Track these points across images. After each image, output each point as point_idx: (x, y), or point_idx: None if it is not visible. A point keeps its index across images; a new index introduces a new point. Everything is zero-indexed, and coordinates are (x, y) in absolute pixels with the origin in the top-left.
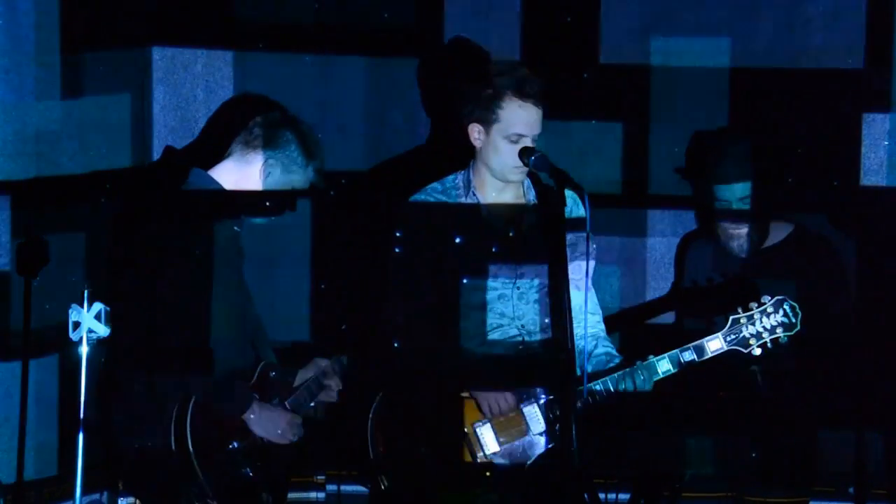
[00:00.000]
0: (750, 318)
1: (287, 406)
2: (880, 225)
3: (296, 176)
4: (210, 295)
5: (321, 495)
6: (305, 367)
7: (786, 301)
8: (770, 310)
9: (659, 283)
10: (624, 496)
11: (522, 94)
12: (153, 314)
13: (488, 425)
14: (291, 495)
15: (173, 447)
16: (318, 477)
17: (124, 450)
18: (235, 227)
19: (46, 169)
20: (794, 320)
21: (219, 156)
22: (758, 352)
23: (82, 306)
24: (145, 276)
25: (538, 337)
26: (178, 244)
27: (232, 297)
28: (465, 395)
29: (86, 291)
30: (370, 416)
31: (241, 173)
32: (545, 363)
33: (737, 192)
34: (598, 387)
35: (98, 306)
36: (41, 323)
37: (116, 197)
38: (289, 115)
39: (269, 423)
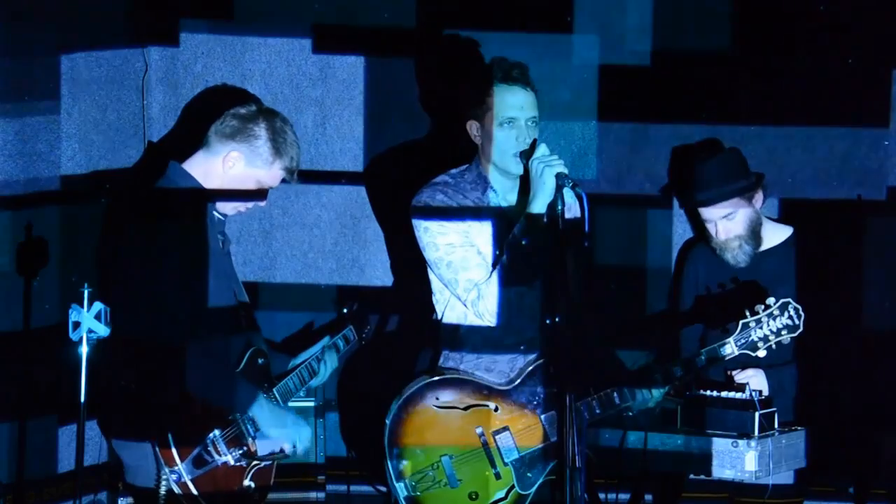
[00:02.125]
0: (758, 321)
1: (276, 394)
2: (880, 225)
3: (260, 171)
4: (198, 287)
5: (321, 495)
6: (297, 357)
7: (790, 303)
8: (776, 312)
9: (658, 283)
10: (624, 496)
11: (507, 79)
12: (143, 310)
13: (507, 433)
14: (291, 495)
15: (156, 448)
16: (319, 477)
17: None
18: (218, 216)
19: (46, 169)
20: (797, 322)
21: (196, 146)
22: (762, 354)
23: (82, 306)
24: (134, 273)
25: (538, 343)
26: (161, 239)
27: (220, 287)
28: (485, 403)
29: (86, 291)
30: (387, 420)
31: (208, 163)
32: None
33: (718, 213)
34: (613, 392)
35: (98, 306)
36: (41, 323)
37: (115, 196)
38: (265, 110)
39: (274, 419)
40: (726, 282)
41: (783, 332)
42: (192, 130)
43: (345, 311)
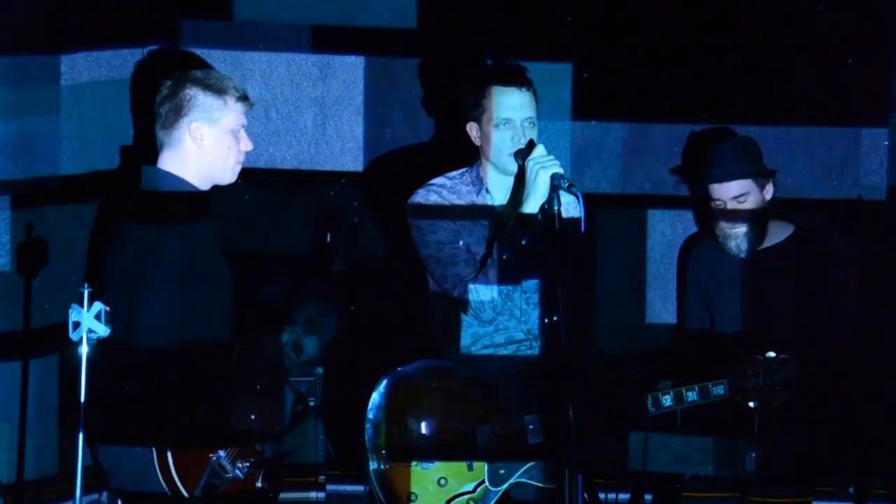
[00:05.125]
0: (754, 371)
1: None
2: (880, 225)
3: (224, 119)
4: (193, 290)
5: (321, 495)
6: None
7: (788, 360)
8: (774, 366)
9: (658, 283)
10: (624, 496)
11: (503, 80)
12: (136, 315)
13: (487, 427)
14: (291, 495)
15: (157, 468)
16: (319, 477)
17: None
18: (206, 218)
19: (46, 169)
20: (792, 380)
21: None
22: (752, 405)
23: (82, 306)
24: (125, 278)
25: (541, 340)
26: (152, 244)
27: (213, 288)
28: (471, 394)
29: (86, 291)
30: (368, 416)
31: (179, 154)
32: (544, 365)
33: (731, 191)
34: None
35: (98, 306)
36: (41, 323)
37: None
38: (179, 75)
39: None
40: (729, 276)
41: (777, 388)
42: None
43: (328, 240)
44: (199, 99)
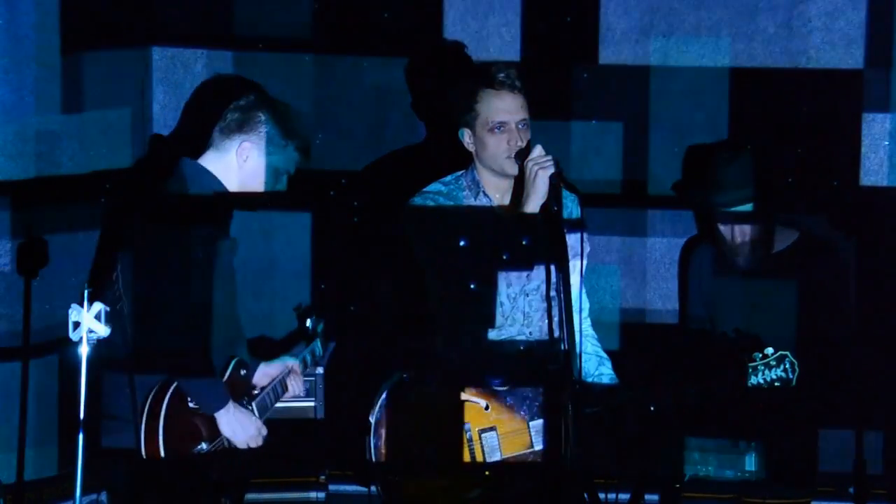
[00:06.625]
0: (754, 368)
1: (254, 407)
2: (880, 225)
3: (274, 157)
4: (197, 293)
5: (321, 495)
6: (269, 364)
7: (787, 357)
8: (773, 363)
9: (658, 283)
10: (624, 496)
11: (495, 84)
12: (140, 311)
13: (494, 433)
14: (291, 495)
15: (143, 447)
16: (320, 477)
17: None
18: (224, 223)
19: (46, 169)
20: (791, 376)
21: (203, 141)
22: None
23: (82, 306)
24: (143, 275)
25: (544, 339)
26: (166, 242)
27: (219, 295)
28: (477, 400)
29: (86, 291)
30: (372, 418)
31: (222, 162)
32: (545, 364)
33: (737, 216)
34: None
35: (98, 306)
36: (41, 323)
37: (115, 196)
38: (264, 96)
39: (238, 426)
40: (731, 282)
41: (776, 384)
42: (197, 126)
43: (308, 324)
44: (267, 127)
